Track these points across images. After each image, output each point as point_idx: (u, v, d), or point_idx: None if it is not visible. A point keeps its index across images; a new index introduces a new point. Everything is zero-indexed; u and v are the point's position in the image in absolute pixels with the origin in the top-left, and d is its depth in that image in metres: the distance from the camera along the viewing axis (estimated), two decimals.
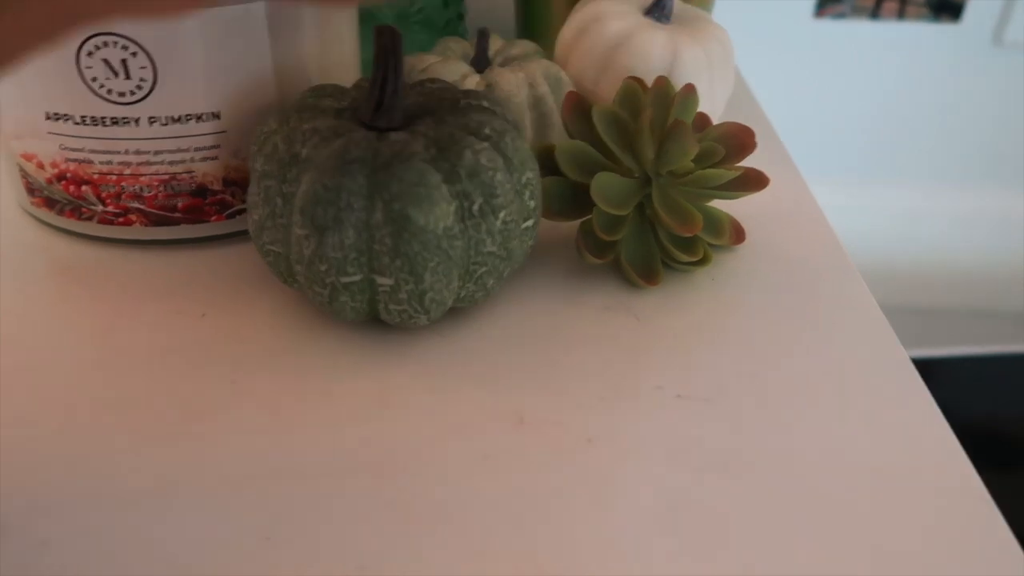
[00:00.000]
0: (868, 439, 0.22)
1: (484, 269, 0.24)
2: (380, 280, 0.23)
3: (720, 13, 0.67)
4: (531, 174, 0.25)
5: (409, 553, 0.19)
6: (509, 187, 0.24)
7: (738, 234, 0.31)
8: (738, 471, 0.21)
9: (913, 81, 0.70)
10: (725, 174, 0.27)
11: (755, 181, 0.29)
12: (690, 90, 0.29)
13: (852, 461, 0.22)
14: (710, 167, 0.28)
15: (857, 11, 0.66)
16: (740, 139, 0.29)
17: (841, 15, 0.67)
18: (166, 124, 0.26)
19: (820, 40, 0.68)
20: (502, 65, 0.35)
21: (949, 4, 0.65)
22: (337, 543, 0.19)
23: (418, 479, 0.21)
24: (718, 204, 0.32)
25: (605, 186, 0.27)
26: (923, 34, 0.67)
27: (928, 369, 0.78)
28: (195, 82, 0.26)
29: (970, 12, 0.66)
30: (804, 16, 0.67)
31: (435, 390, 0.24)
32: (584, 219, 0.28)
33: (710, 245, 0.30)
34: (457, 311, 0.27)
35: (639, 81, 0.30)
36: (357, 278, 0.23)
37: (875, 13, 0.67)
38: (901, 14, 0.66)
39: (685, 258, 0.28)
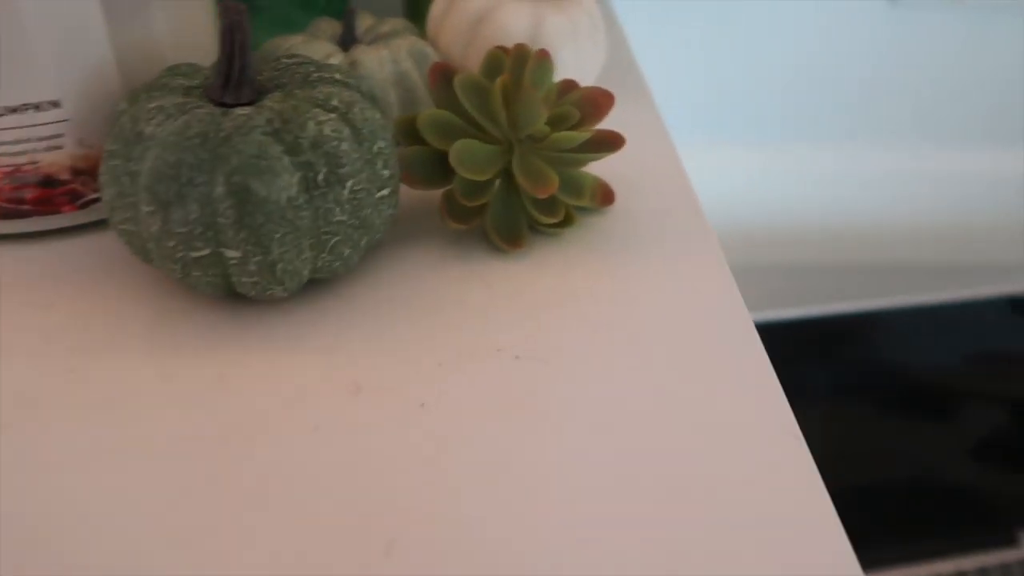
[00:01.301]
0: (700, 394, 0.25)
1: (337, 239, 0.26)
2: (228, 253, 0.25)
3: None
4: (383, 143, 0.27)
5: (237, 528, 0.21)
6: (357, 156, 0.26)
7: (605, 196, 0.34)
8: (567, 425, 0.24)
9: (816, 43, 0.75)
10: (577, 136, 0.30)
11: (610, 142, 0.32)
12: (543, 55, 0.31)
13: (682, 415, 0.24)
14: (566, 129, 0.30)
15: None
16: (596, 101, 0.32)
17: None
18: (3, 115, 0.28)
19: (720, 4, 0.73)
20: (371, 43, 0.37)
21: None
22: (162, 524, 0.21)
23: (247, 455, 0.23)
24: (591, 168, 0.35)
25: (464, 152, 0.29)
26: None
27: (862, 322, 0.83)
28: (29, 71, 0.27)
29: None
30: None
31: (277, 363, 0.26)
32: (449, 186, 0.31)
33: (578, 208, 0.33)
34: (318, 282, 0.29)
35: (504, 49, 0.33)
36: (206, 252, 0.25)
37: None
38: None
39: (546, 219, 0.30)
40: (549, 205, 0.31)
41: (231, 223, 0.24)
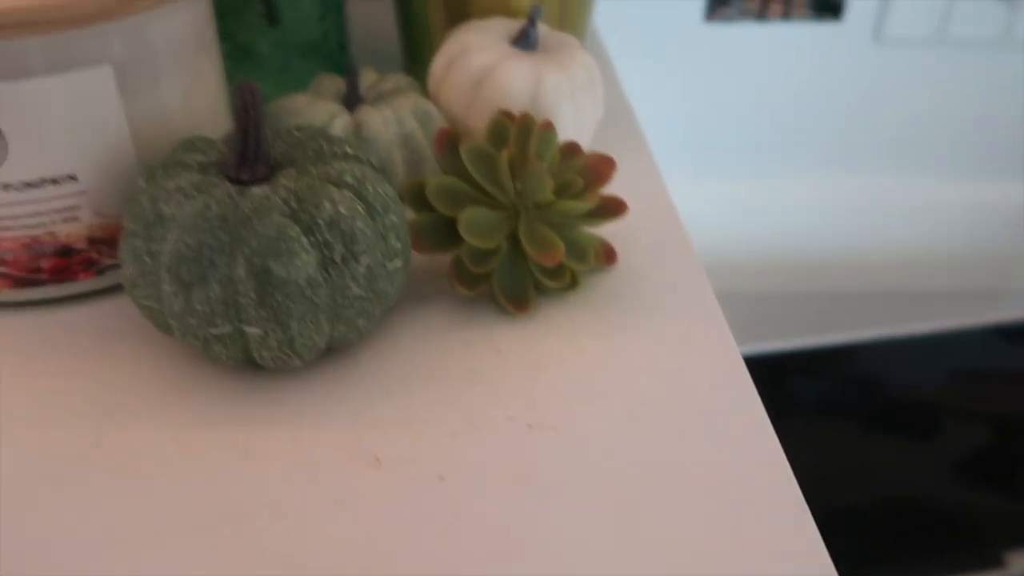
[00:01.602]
0: (705, 457, 0.26)
1: (353, 312, 0.27)
2: (249, 330, 0.26)
3: (611, 20, 0.72)
4: (395, 217, 0.28)
5: None
6: (371, 232, 0.27)
7: (608, 256, 0.35)
8: (581, 494, 0.25)
9: (802, 77, 0.77)
10: (581, 205, 0.31)
11: (613, 209, 0.33)
12: (547, 127, 0.33)
13: (690, 481, 0.25)
14: (570, 198, 0.32)
15: (745, 14, 0.73)
16: (599, 170, 0.33)
17: (729, 19, 0.73)
18: (21, 190, 0.28)
19: (711, 43, 0.74)
20: (374, 101, 0.38)
21: (830, 3, 0.72)
22: None
23: (271, 527, 0.23)
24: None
25: (472, 220, 0.30)
26: (808, 33, 0.74)
27: (848, 347, 0.85)
28: (47, 147, 0.28)
29: (850, 11, 0.73)
30: (694, 21, 0.73)
31: (297, 435, 0.26)
32: (457, 252, 0.32)
33: (580, 270, 0.34)
34: (332, 350, 0.30)
35: (508, 114, 0.34)
36: (227, 329, 0.26)
37: (761, 15, 0.73)
38: (786, 15, 0.73)
39: (553, 285, 0.31)
40: (556, 270, 0.32)
41: (252, 302, 0.25)
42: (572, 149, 0.35)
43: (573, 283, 0.32)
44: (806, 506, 0.25)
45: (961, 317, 0.80)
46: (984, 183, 0.84)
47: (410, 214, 0.34)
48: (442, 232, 0.32)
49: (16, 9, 0.26)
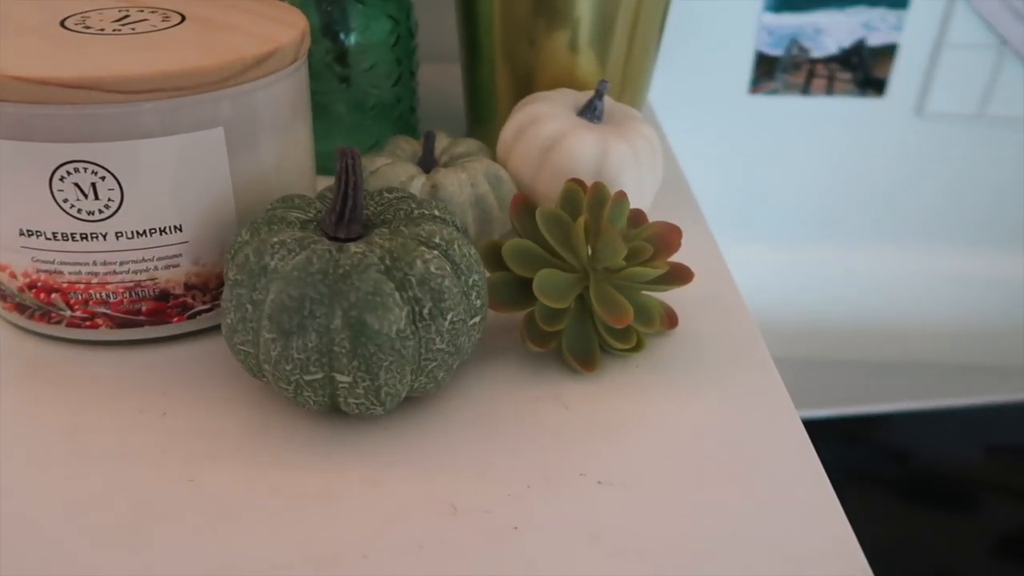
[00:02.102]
0: (768, 518, 0.27)
1: (434, 364, 0.29)
2: (340, 378, 0.27)
3: (662, 93, 0.75)
4: (477, 276, 0.30)
5: None
6: (456, 291, 0.29)
7: (671, 320, 0.36)
8: (650, 554, 0.26)
9: (844, 149, 0.79)
10: (651, 272, 0.33)
11: (680, 276, 0.34)
12: (621, 196, 0.34)
13: (753, 542, 0.26)
14: (640, 264, 0.33)
15: (789, 88, 0.75)
16: (667, 238, 0.34)
17: (774, 91, 0.75)
18: (132, 238, 0.31)
19: (756, 115, 0.77)
20: (447, 163, 0.41)
21: (873, 80, 0.75)
22: None
23: (353, 568, 0.25)
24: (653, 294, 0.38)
25: (546, 282, 0.32)
26: (851, 107, 0.76)
27: (885, 421, 0.85)
28: (159, 200, 0.31)
29: (893, 86, 0.75)
30: (740, 93, 0.76)
31: (378, 481, 0.28)
32: (529, 310, 0.33)
33: (645, 332, 0.35)
34: (409, 399, 0.31)
35: (579, 182, 0.36)
36: (319, 376, 0.27)
37: (806, 90, 0.75)
38: (829, 90, 0.75)
39: (620, 345, 0.33)
40: (623, 332, 0.33)
41: (346, 352, 0.27)
42: (638, 217, 0.37)
43: (639, 345, 0.34)
44: (865, 561, 0.25)
45: (998, 392, 0.80)
46: (1022, 256, 0.84)
47: None
48: (516, 291, 0.33)
49: (141, 77, 0.29)
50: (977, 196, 0.82)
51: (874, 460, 0.85)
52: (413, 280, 0.28)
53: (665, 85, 0.74)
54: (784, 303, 0.85)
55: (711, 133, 0.78)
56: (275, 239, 0.28)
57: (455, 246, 0.29)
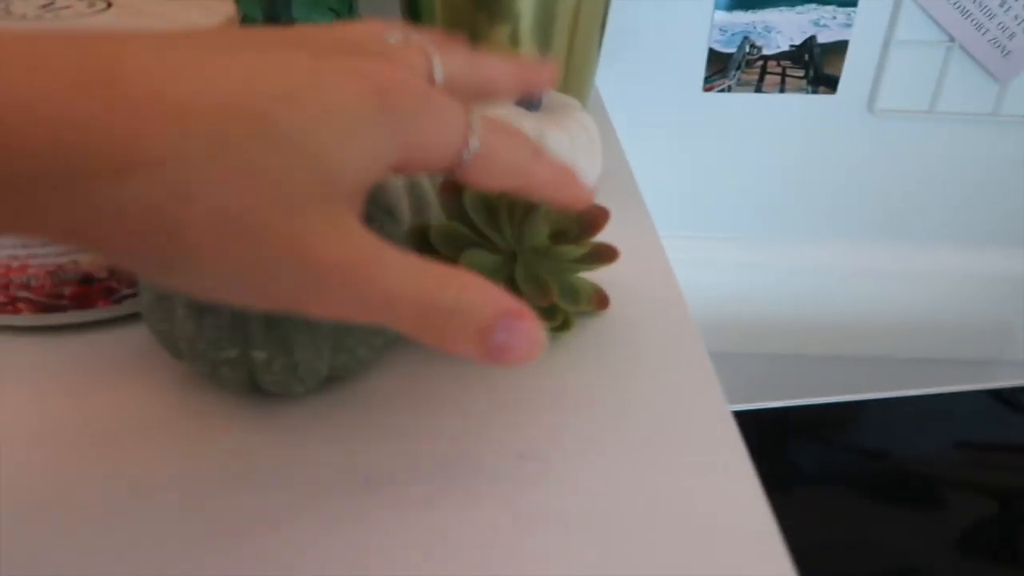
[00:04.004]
0: (686, 491, 0.27)
1: (354, 340, 0.29)
2: (256, 354, 0.28)
3: (617, 91, 0.76)
4: None
5: None
6: None
7: (601, 301, 0.36)
8: (566, 525, 0.26)
9: (799, 147, 0.80)
10: (575, 250, 0.33)
11: (606, 255, 0.35)
12: None
13: (671, 513, 0.26)
14: (566, 243, 0.34)
15: (742, 85, 0.76)
16: (592, 218, 0.35)
17: (727, 89, 0.76)
18: None
19: (710, 112, 0.78)
20: None
21: (825, 77, 0.76)
22: None
23: (266, 542, 0.25)
24: (589, 275, 0.38)
25: (472, 262, 0.32)
26: (804, 104, 0.77)
27: (845, 411, 0.86)
28: None
29: (845, 83, 0.76)
30: (694, 91, 0.77)
31: (295, 457, 0.28)
32: None
33: (580, 312, 0.35)
34: (335, 378, 0.31)
35: None
36: (234, 353, 0.28)
37: (759, 87, 0.76)
38: (782, 88, 0.76)
39: (546, 324, 0.33)
40: (549, 311, 0.33)
41: (260, 328, 0.27)
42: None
43: (566, 324, 0.34)
44: (784, 547, 0.26)
45: (956, 384, 0.81)
46: (978, 252, 0.86)
47: None
48: None
49: None
50: (930, 192, 0.83)
51: (837, 453, 0.85)
52: None
53: (620, 83, 0.75)
54: (738, 298, 0.85)
55: (666, 131, 0.79)
56: None
57: (375, 226, 0.30)
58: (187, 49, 0.20)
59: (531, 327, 0.22)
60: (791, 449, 0.86)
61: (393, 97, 0.21)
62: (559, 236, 0.34)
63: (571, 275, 0.35)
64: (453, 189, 0.35)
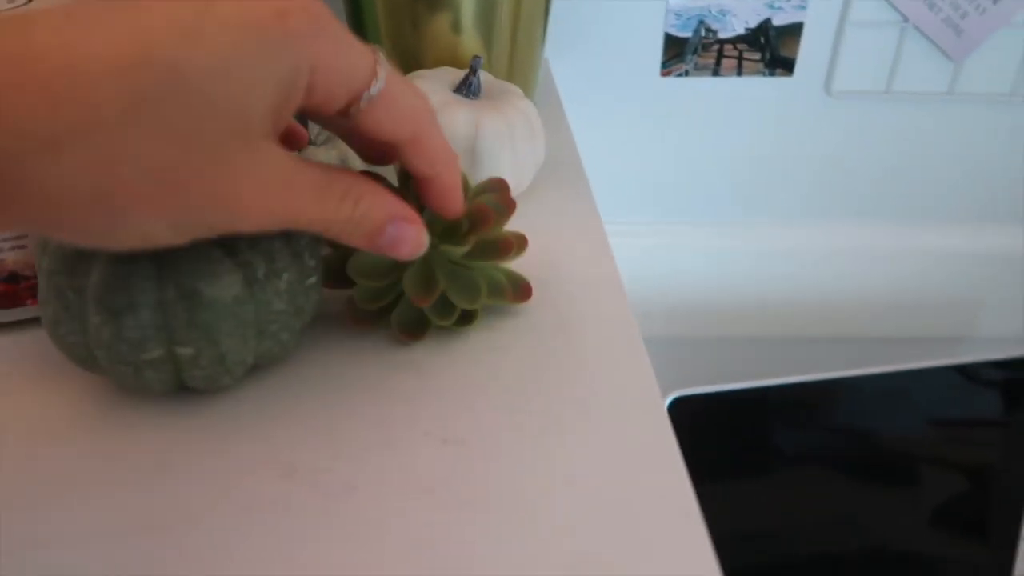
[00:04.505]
0: (609, 474, 0.27)
1: (277, 325, 0.29)
2: (181, 350, 0.27)
3: (573, 77, 0.76)
4: (307, 238, 0.30)
5: None
6: (287, 251, 0.29)
7: (519, 293, 0.35)
8: (488, 509, 0.26)
9: (757, 130, 0.81)
10: (455, 250, 0.32)
11: (500, 250, 0.33)
12: None
13: (591, 496, 0.26)
14: (453, 241, 0.32)
15: (699, 69, 0.76)
16: (483, 213, 0.33)
17: (685, 73, 0.77)
18: None
19: (667, 97, 0.78)
20: (323, 144, 0.41)
21: (782, 59, 0.76)
22: None
23: (186, 536, 0.25)
24: (519, 266, 0.37)
25: (362, 262, 0.32)
26: (762, 87, 0.78)
27: (814, 390, 0.87)
28: None
29: (801, 65, 0.77)
30: (651, 76, 0.77)
31: (218, 450, 0.28)
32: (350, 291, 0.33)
33: (486, 304, 0.35)
34: (258, 367, 0.31)
35: None
36: (158, 352, 0.27)
37: (716, 71, 0.77)
38: (739, 71, 0.77)
39: (440, 322, 0.33)
40: (441, 308, 0.33)
41: (183, 323, 0.27)
42: (495, 186, 0.36)
43: (467, 319, 0.33)
44: (707, 534, 0.26)
45: (926, 361, 0.82)
46: (937, 229, 0.87)
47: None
48: (342, 271, 0.32)
49: None
50: (890, 172, 0.84)
51: (813, 434, 0.86)
52: (243, 244, 0.28)
53: (576, 69, 0.75)
54: (705, 283, 0.86)
55: (624, 116, 0.79)
56: None
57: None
58: (93, 7, 0.20)
59: (416, 229, 0.28)
60: (767, 429, 0.86)
61: (293, 19, 0.22)
62: (448, 234, 0.33)
63: (469, 270, 0.34)
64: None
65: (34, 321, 0.34)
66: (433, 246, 0.32)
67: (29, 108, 0.19)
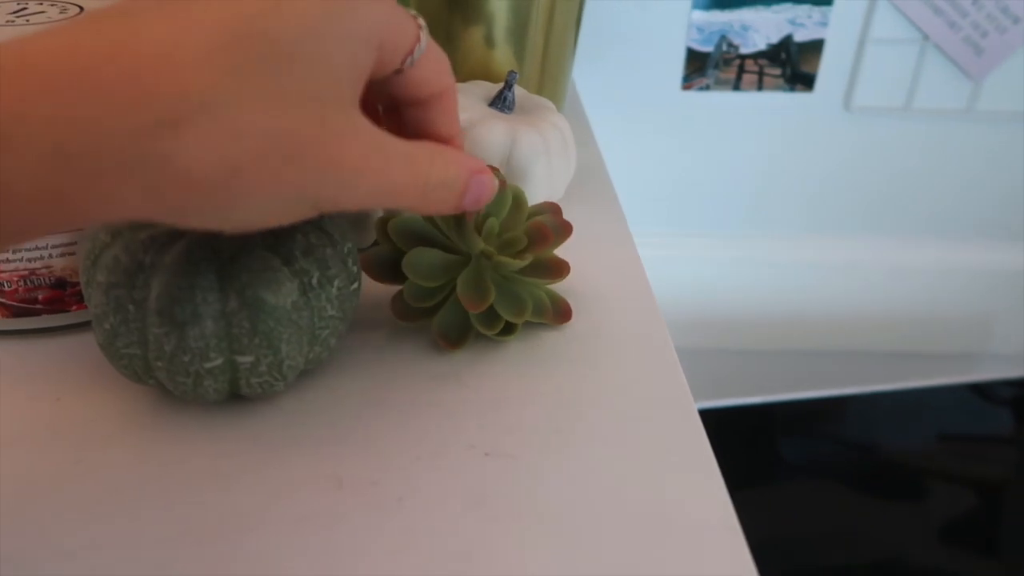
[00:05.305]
0: (652, 487, 0.28)
1: (327, 331, 0.30)
2: (241, 359, 0.28)
3: (596, 90, 0.77)
4: (350, 244, 0.31)
5: None
6: (337, 259, 0.29)
7: (560, 314, 0.36)
8: (534, 521, 0.26)
9: (777, 145, 0.81)
10: (514, 263, 0.33)
11: (554, 270, 0.34)
12: (503, 186, 0.35)
13: (634, 508, 0.27)
14: (513, 255, 0.33)
15: (720, 83, 0.77)
16: (543, 232, 0.34)
17: (706, 87, 0.77)
18: None
19: (688, 110, 0.79)
20: None
21: (802, 75, 0.77)
22: None
23: (239, 546, 0.25)
24: (560, 288, 0.38)
25: (417, 260, 0.33)
26: (782, 102, 0.78)
27: (830, 405, 0.87)
28: None
29: (821, 81, 0.77)
30: (672, 90, 0.77)
31: (267, 460, 0.28)
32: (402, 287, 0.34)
33: (541, 322, 0.36)
34: (306, 372, 0.32)
35: (493, 169, 0.36)
36: (219, 361, 0.28)
37: (736, 86, 0.77)
38: (760, 86, 0.77)
39: (485, 330, 0.33)
40: (487, 317, 0.34)
41: (246, 332, 0.27)
42: (543, 209, 0.37)
43: (510, 330, 0.34)
44: (744, 542, 0.26)
45: (936, 378, 0.82)
46: (951, 246, 0.87)
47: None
48: (390, 266, 0.34)
49: None
50: (907, 188, 0.84)
51: (824, 449, 0.87)
52: (298, 253, 0.28)
53: (599, 83, 0.76)
54: (720, 295, 0.86)
55: (645, 129, 0.80)
56: (143, 235, 0.28)
57: (326, 218, 0.30)
58: None
59: (489, 176, 0.28)
60: (777, 444, 0.87)
61: None
62: (507, 247, 0.34)
63: (520, 284, 0.35)
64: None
65: (79, 326, 0.34)
66: (488, 256, 0.33)
67: (140, 88, 0.19)
